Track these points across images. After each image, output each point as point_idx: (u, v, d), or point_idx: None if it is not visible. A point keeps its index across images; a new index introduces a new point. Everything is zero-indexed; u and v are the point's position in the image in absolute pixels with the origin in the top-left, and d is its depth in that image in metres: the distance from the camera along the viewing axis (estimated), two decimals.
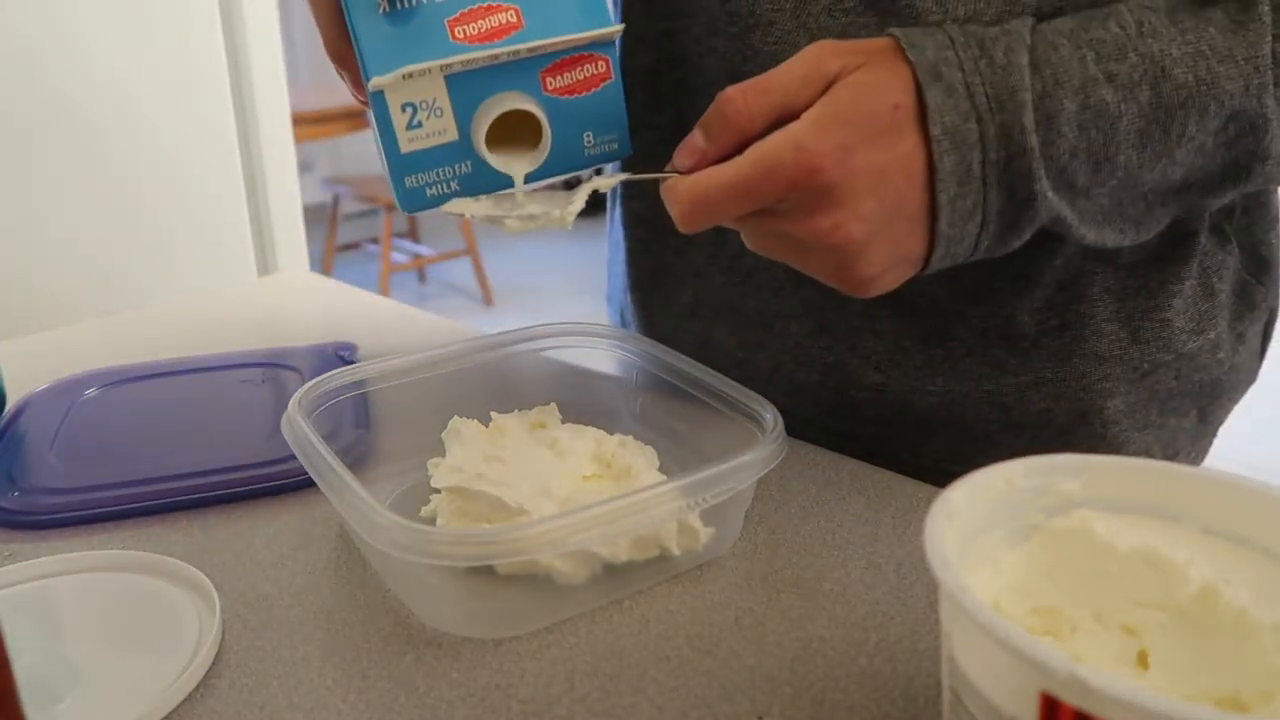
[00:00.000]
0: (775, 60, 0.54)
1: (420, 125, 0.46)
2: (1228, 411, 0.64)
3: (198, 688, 0.41)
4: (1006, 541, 0.37)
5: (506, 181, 0.49)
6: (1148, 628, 0.33)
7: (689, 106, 0.60)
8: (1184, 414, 0.61)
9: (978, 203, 0.44)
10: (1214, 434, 0.65)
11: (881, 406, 0.61)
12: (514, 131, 0.48)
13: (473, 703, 0.40)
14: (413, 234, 4.13)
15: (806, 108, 0.43)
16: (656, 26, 0.60)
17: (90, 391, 0.67)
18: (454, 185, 0.48)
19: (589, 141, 0.49)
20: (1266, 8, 0.45)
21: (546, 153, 0.48)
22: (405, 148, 0.46)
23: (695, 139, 0.45)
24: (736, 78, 0.56)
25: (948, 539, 0.32)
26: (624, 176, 0.49)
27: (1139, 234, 0.51)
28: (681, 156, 0.46)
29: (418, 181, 0.47)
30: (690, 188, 0.44)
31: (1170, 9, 0.45)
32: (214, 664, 0.42)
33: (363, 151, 4.08)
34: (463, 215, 0.48)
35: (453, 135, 0.47)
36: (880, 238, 0.43)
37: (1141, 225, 0.50)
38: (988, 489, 0.35)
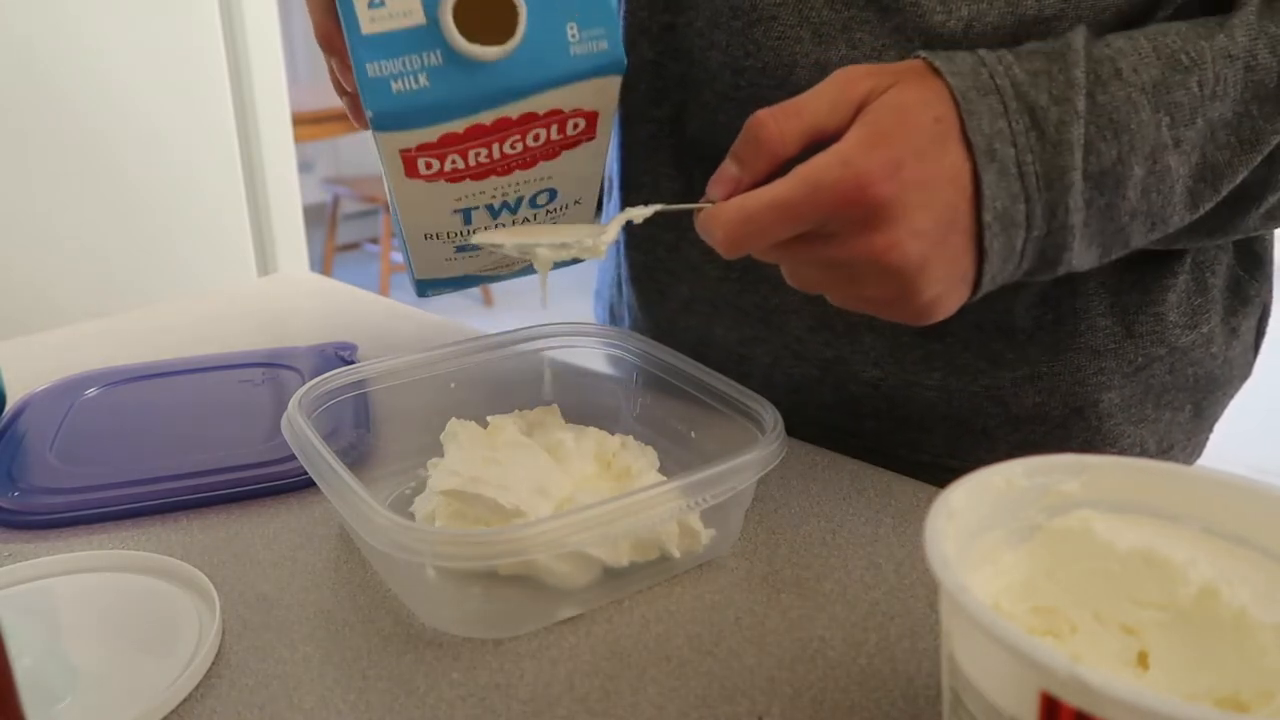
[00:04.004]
0: (778, 55, 0.54)
1: (383, 4, 0.43)
2: (1223, 406, 0.65)
3: (198, 688, 0.41)
4: (1006, 541, 0.37)
5: (484, 88, 0.45)
6: (1148, 628, 0.33)
7: (690, 100, 0.60)
8: (1179, 408, 0.61)
9: (1014, 270, 0.45)
10: (1209, 428, 0.65)
11: (880, 401, 0.61)
12: (490, 26, 0.45)
13: (473, 703, 0.40)
14: None
15: (838, 132, 0.42)
16: (659, 19, 0.60)
17: (90, 391, 0.67)
18: (423, 79, 0.44)
19: (573, 35, 0.45)
20: None
21: (521, 37, 0.44)
22: (367, 28, 0.43)
23: (728, 168, 0.44)
24: (739, 72, 0.56)
25: (948, 539, 0.32)
26: (659, 207, 0.47)
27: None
28: (716, 187, 0.44)
29: (381, 70, 0.43)
30: (734, 208, 0.42)
31: (1251, 40, 0.44)
32: (214, 664, 0.42)
33: (363, 151, 4.08)
34: (494, 247, 0.46)
35: (419, 18, 0.43)
36: (937, 254, 0.42)
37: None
38: (988, 489, 0.35)
